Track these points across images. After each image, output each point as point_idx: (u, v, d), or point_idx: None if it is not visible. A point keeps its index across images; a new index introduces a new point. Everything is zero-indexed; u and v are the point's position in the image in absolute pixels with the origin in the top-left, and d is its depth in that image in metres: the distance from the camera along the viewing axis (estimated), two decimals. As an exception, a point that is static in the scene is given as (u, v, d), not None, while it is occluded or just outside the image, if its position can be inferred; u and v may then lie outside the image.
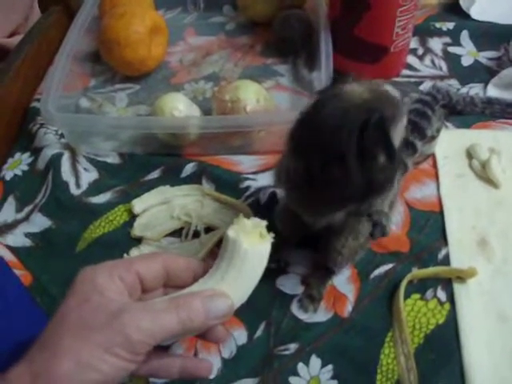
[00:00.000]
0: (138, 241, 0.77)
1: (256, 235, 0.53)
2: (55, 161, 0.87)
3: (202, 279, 0.53)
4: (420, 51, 1.03)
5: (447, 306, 0.68)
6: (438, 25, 1.07)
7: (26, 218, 0.82)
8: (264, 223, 0.54)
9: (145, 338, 0.45)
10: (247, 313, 0.67)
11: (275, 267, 0.72)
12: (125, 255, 0.74)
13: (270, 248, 0.53)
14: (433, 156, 0.84)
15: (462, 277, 0.69)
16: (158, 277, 0.53)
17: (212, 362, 0.62)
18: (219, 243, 0.62)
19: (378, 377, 0.63)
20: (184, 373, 0.54)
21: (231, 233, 0.52)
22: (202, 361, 0.60)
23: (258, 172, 0.84)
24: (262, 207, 0.79)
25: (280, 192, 0.79)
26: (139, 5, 1.02)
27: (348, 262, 0.68)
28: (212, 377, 0.64)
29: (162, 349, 0.53)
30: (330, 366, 0.64)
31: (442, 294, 0.69)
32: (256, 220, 0.54)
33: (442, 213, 0.77)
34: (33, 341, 0.47)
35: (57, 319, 0.47)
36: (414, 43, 1.03)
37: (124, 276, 0.50)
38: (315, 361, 0.65)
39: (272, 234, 0.53)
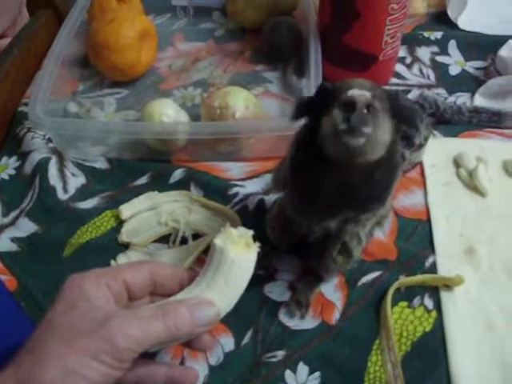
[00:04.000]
0: (126, 247, 0.77)
1: (242, 245, 0.53)
2: (42, 165, 0.87)
3: (188, 287, 0.53)
4: (408, 60, 1.04)
5: (434, 314, 0.68)
6: (426, 34, 1.08)
7: (13, 223, 0.81)
8: (250, 233, 0.54)
9: (131, 346, 0.45)
10: (234, 320, 0.67)
11: (263, 274, 0.72)
12: (112, 261, 0.74)
13: (256, 257, 0.53)
14: (420, 164, 0.84)
15: (449, 285, 0.70)
16: (144, 285, 0.53)
17: (198, 369, 0.62)
18: (207, 250, 0.62)
19: (365, 384, 0.63)
20: (170, 381, 0.54)
21: (218, 242, 0.52)
22: (187, 369, 0.60)
23: (246, 179, 0.84)
24: (250, 214, 0.79)
25: (269, 199, 0.79)
26: (129, 10, 1.02)
27: (340, 270, 0.69)
28: (199, 384, 0.63)
29: (147, 356, 0.52)
30: (317, 374, 0.64)
31: (429, 302, 0.69)
32: (242, 229, 0.54)
33: (429, 221, 0.77)
34: (18, 347, 0.46)
35: (44, 325, 0.47)
36: (402, 52, 1.04)
37: (111, 284, 0.50)
38: (302, 368, 0.64)
39: (258, 244, 0.54)
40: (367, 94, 0.49)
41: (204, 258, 0.58)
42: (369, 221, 0.61)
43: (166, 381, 0.54)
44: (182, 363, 0.65)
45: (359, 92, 0.49)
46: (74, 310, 0.47)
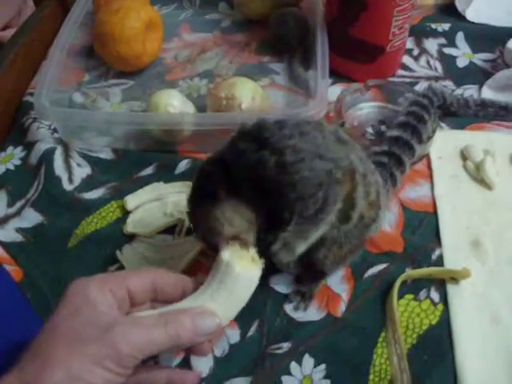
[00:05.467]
0: (131, 237, 0.76)
1: (248, 259, 0.55)
2: (48, 155, 0.86)
3: (192, 296, 0.54)
4: (415, 52, 1.04)
5: (440, 307, 0.68)
6: (433, 26, 1.07)
7: (18, 213, 0.81)
8: (254, 250, 0.56)
9: (134, 352, 0.46)
10: (240, 312, 0.67)
11: (268, 265, 0.72)
12: (117, 252, 0.74)
13: (260, 273, 0.55)
14: (427, 156, 0.84)
15: (455, 278, 0.69)
16: (146, 292, 0.53)
17: (204, 361, 0.63)
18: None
19: (371, 377, 0.63)
20: None
21: (225, 255, 0.54)
22: (188, 372, 0.61)
23: (252, 170, 0.83)
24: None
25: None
26: (135, 0, 1.02)
27: (338, 265, 0.68)
28: (204, 375, 0.63)
29: (149, 360, 0.53)
30: (322, 366, 0.64)
31: (435, 295, 0.69)
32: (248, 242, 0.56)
33: (436, 213, 0.77)
34: (23, 340, 0.47)
35: (48, 329, 0.47)
36: (409, 43, 1.03)
37: (115, 290, 0.50)
38: (308, 360, 0.64)
39: (263, 260, 0.56)
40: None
41: (208, 251, 0.58)
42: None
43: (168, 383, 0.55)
44: (187, 355, 0.65)
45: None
46: (78, 316, 0.47)
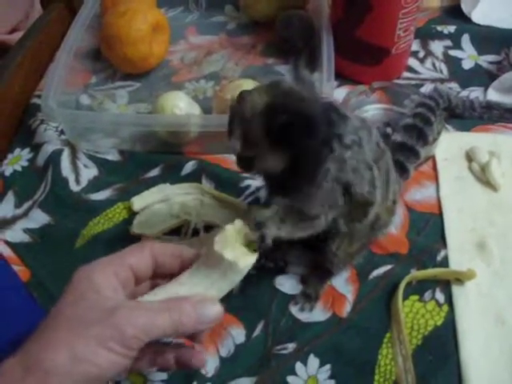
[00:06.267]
0: (138, 238, 0.77)
1: (242, 244, 0.54)
2: (55, 157, 0.87)
3: (189, 276, 0.53)
4: (421, 54, 1.04)
5: (445, 308, 0.68)
6: (439, 28, 1.07)
7: (25, 214, 0.82)
8: (247, 228, 0.55)
9: (139, 334, 0.46)
10: (246, 312, 0.67)
11: (273, 266, 0.72)
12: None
13: (254, 261, 0.53)
14: (433, 158, 0.84)
15: (460, 279, 0.70)
16: (148, 266, 0.54)
17: (209, 361, 0.63)
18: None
19: (376, 377, 0.63)
20: (180, 363, 0.56)
21: (217, 244, 0.52)
22: (195, 351, 0.59)
23: (258, 171, 0.84)
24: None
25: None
26: (141, 2, 1.02)
27: (345, 264, 0.69)
28: (209, 375, 0.64)
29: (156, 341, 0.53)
30: (327, 366, 0.64)
31: (440, 296, 0.69)
32: (241, 225, 0.55)
33: (441, 215, 0.77)
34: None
35: (52, 315, 0.48)
36: (415, 46, 1.03)
37: (118, 271, 0.51)
38: (313, 360, 0.65)
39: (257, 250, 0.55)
40: None
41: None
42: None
43: (177, 361, 0.55)
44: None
45: None
46: (82, 301, 0.47)
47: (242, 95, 0.57)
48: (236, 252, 0.52)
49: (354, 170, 0.57)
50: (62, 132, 0.91)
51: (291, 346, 0.66)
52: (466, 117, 0.89)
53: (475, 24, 1.07)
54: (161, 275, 0.55)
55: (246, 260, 0.52)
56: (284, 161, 0.55)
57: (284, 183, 0.58)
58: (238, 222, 0.55)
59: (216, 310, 0.51)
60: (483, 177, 0.81)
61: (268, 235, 0.56)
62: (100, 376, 0.45)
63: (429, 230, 0.76)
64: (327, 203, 0.58)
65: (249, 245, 0.55)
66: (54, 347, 0.44)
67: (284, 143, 0.54)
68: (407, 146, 0.74)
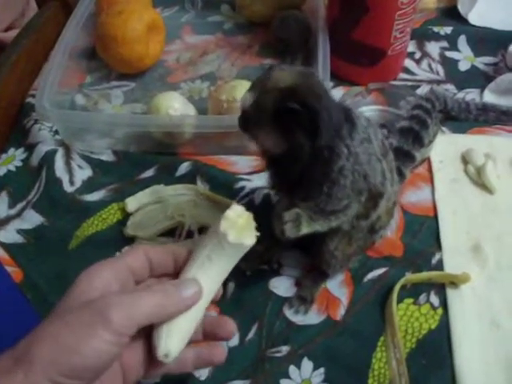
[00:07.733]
0: (131, 240, 0.76)
1: (241, 227, 0.53)
2: (49, 157, 0.87)
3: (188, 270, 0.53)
4: (417, 55, 1.03)
5: (440, 312, 0.68)
6: (435, 29, 1.07)
7: (19, 215, 0.81)
8: (247, 214, 0.54)
9: (124, 318, 0.45)
10: (239, 314, 0.67)
11: (268, 269, 0.72)
12: (117, 254, 0.74)
13: (253, 243, 0.53)
14: (428, 160, 0.84)
15: (455, 282, 0.69)
16: (144, 267, 0.54)
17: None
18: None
19: (370, 381, 0.63)
20: (199, 362, 0.56)
21: (223, 225, 0.53)
22: (214, 346, 0.58)
23: (252, 173, 0.84)
24: (256, 208, 0.78)
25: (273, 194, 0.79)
26: (137, 2, 1.02)
27: (341, 266, 0.69)
28: (203, 378, 0.63)
29: None
30: (321, 370, 0.64)
31: (434, 299, 0.69)
32: (240, 209, 0.55)
33: (436, 217, 0.77)
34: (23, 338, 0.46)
35: (49, 315, 0.48)
36: (411, 47, 1.03)
37: (118, 272, 0.51)
38: (307, 364, 0.64)
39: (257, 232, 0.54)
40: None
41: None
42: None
43: (195, 363, 0.55)
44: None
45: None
46: (78, 299, 0.48)
47: (276, 67, 0.58)
48: (241, 232, 0.53)
49: (368, 162, 0.58)
50: (56, 132, 0.91)
51: (285, 349, 0.66)
52: (461, 119, 0.89)
53: (472, 25, 1.07)
54: (156, 276, 0.55)
55: (252, 238, 0.53)
56: (279, 146, 0.56)
57: (300, 187, 0.59)
58: (236, 207, 0.55)
59: (196, 288, 0.51)
60: (479, 179, 0.81)
61: (287, 230, 0.58)
62: (85, 364, 0.44)
63: (424, 232, 0.76)
64: (353, 192, 0.59)
65: (249, 226, 0.54)
66: (41, 339, 0.44)
67: (285, 128, 0.54)
68: (403, 151, 0.74)
